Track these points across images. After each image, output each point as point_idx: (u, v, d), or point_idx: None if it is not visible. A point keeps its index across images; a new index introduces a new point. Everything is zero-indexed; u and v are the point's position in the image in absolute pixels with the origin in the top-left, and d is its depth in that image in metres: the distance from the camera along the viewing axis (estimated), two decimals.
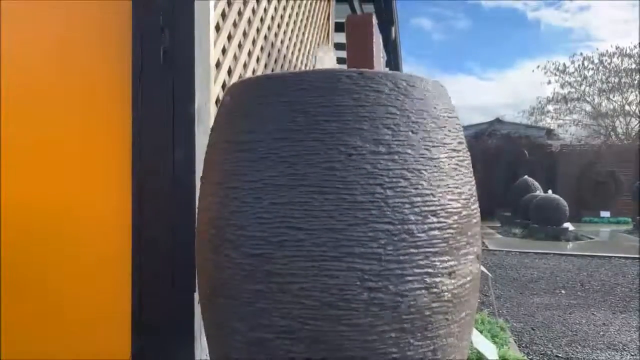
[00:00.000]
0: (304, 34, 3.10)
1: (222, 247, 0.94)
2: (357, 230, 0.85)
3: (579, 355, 2.94)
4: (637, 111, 19.43)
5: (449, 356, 0.95)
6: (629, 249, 7.31)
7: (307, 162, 0.88)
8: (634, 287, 4.80)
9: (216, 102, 1.64)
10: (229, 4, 1.79)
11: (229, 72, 1.79)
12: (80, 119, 1.59)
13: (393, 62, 7.23)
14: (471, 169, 1.05)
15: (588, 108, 20.79)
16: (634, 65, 19.57)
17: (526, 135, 14.56)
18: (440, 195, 0.92)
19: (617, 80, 19.80)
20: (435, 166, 0.93)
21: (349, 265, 0.85)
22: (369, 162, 0.88)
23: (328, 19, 4.06)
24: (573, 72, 20.98)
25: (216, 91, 1.65)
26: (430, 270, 0.89)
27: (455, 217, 0.94)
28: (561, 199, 8.73)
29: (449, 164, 0.96)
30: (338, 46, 4.31)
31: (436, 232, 0.91)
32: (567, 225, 8.68)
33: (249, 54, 2.01)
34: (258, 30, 2.12)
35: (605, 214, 12.19)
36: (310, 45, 3.31)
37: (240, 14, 1.89)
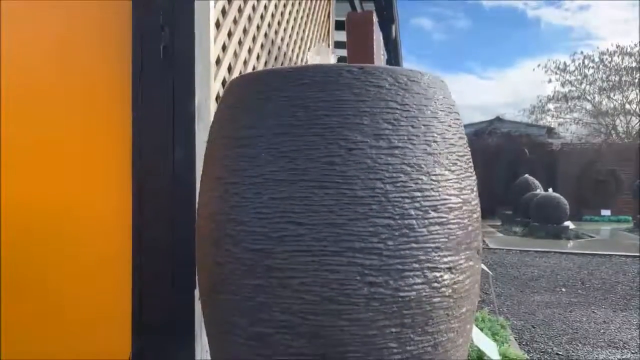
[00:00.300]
0: (304, 31, 3.09)
1: (222, 242, 0.94)
2: (357, 225, 0.85)
3: (579, 353, 2.94)
4: (637, 110, 19.46)
5: (449, 351, 0.94)
6: (629, 247, 7.31)
7: (308, 157, 0.88)
8: (635, 285, 4.80)
9: (216, 99, 1.64)
10: (229, 1, 1.79)
11: (229, 69, 1.79)
12: (80, 119, 1.59)
13: (393, 60, 7.21)
14: (472, 164, 1.04)
15: (588, 106, 20.82)
16: (634, 64, 19.61)
17: (527, 133, 14.57)
18: (441, 190, 0.92)
19: (617, 78, 19.82)
20: (435, 161, 0.93)
21: (349, 260, 0.85)
22: (369, 156, 0.88)
23: (328, 16, 4.06)
24: (574, 71, 21.04)
25: (216, 88, 1.65)
26: (430, 265, 0.89)
27: (456, 212, 0.94)
28: (562, 197, 8.74)
29: (449, 159, 0.95)
30: (338, 44, 4.30)
31: (437, 227, 0.90)
32: (568, 223, 8.69)
33: (249, 51, 2.01)
34: (258, 28, 2.12)
35: (605, 212, 12.20)
36: (311, 42, 3.31)
37: (240, 11, 1.89)
